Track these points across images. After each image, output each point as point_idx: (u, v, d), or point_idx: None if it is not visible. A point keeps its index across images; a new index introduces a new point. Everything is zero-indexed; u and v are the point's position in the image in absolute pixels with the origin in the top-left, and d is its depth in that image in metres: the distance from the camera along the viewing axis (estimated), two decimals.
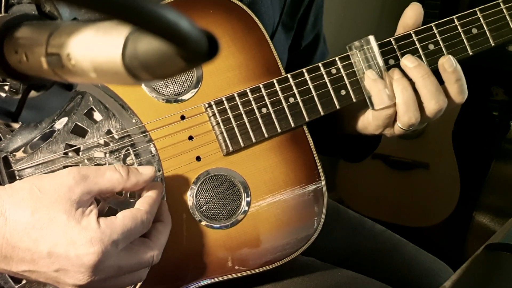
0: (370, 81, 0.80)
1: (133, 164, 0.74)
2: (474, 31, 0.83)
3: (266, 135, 0.80)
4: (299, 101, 0.81)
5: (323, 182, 0.82)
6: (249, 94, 0.79)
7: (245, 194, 0.79)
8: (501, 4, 0.84)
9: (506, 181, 2.16)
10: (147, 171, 0.67)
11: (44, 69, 0.35)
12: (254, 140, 0.79)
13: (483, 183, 2.16)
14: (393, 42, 0.82)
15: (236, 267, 0.78)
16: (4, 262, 0.59)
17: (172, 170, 0.76)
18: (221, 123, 0.78)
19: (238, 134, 0.79)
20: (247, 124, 0.79)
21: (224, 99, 0.78)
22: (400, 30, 0.84)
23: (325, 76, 0.81)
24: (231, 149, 0.78)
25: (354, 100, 0.82)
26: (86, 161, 0.72)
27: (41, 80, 0.40)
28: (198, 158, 0.78)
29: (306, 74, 0.81)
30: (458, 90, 0.80)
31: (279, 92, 0.80)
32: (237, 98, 0.79)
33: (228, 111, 0.78)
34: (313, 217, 0.81)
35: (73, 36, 0.33)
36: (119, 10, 0.27)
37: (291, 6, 0.96)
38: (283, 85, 0.80)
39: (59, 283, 0.61)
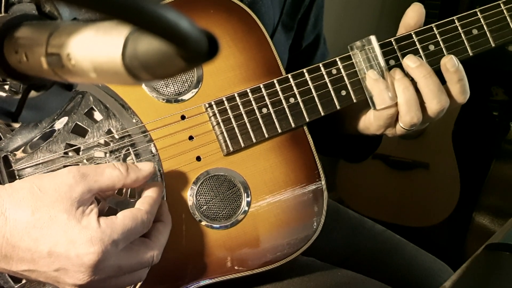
0: (372, 81, 0.80)
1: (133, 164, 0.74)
2: (475, 31, 0.83)
3: (266, 135, 0.80)
4: (300, 101, 0.81)
5: (323, 182, 0.82)
6: (250, 94, 0.79)
7: (245, 194, 0.79)
8: (501, 4, 0.84)
9: (506, 181, 2.16)
10: (146, 167, 0.67)
11: (44, 69, 0.35)
12: (254, 140, 0.79)
13: (483, 183, 2.16)
14: (393, 42, 0.82)
15: (236, 267, 0.78)
16: (4, 261, 0.59)
17: (172, 170, 0.76)
18: (221, 123, 0.78)
19: (238, 134, 0.79)
20: (248, 124, 0.79)
21: (224, 99, 0.78)
22: (402, 30, 0.84)
23: (325, 76, 0.81)
24: (231, 149, 0.78)
25: (354, 101, 0.82)
26: (86, 160, 0.72)
27: (41, 80, 0.40)
28: (198, 158, 0.78)
29: (306, 74, 0.81)
30: (460, 90, 0.80)
31: (280, 92, 0.80)
32: (237, 98, 0.79)
33: (229, 111, 0.78)
34: (313, 217, 0.81)
35: (73, 36, 0.33)
36: (119, 10, 0.27)
37: (291, 7, 0.96)
38: (284, 85, 0.80)
39: (59, 282, 0.61)
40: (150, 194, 0.68)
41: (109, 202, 0.69)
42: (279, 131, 0.80)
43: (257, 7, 0.87)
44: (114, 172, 0.64)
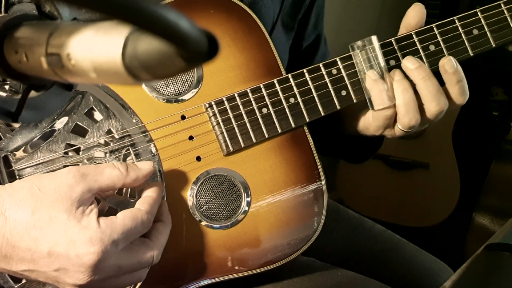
0: (371, 81, 0.80)
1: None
2: (475, 32, 0.83)
3: (266, 135, 0.80)
4: (300, 101, 0.81)
5: (323, 182, 0.82)
6: (250, 94, 0.79)
7: (245, 194, 0.79)
8: (502, 5, 0.84)
9: (506, 181, 2.16)
10: (146, 166, 0.67)
11: (44, 69, 0.35)
12: (254, 140, 0.79)
13: (483, 183, 2.16)
14: (394, 42, 0.82)
15: (236, 267, 0.78)
16: (4, 261, 0.59)
17: (172, 170, 0.76)
18: (221, 123, 0.78)
19: (238, 134, 0.78)
20: (248, 124, 0.79)
21: (224, 99, 0.78)
22: (403, 31, 0.84)
23: (325, 76, 0.81)
24: (231, 149, 0.78)
25: (354, 101, 0.82)
26: (86, 160, 0.72)
27: (41, 80, 0.40)
28: (198, 158, 0.78)
29: (306, 74, 0.81)
30: (459, 91, 0.80)
31: (280, 93, 0.80)
32: (237, 98, 0.79)
33: (229, 111, 0.78)
34: (313, 217, 0.81)
35: (73, 36, 0.33)
36: (119, 10, 0.27)
37: (292, 7, 0.96)
38: (284, 85, 0.80)
39: (59, 282, 0.61)
40: (150, 194, 0.68)
41: (109, 202, 0.69)
42: (279, 131, 0.80)
43: (258, 7, 0.87)
44: (114, 172, 0.64)
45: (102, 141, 0.73)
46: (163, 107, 0.77)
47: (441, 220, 2.10)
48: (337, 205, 1.18)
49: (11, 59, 0.37)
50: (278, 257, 0.80)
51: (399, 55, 0.82)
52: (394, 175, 2.18)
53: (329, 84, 0.81)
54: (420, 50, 0.82)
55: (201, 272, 0.77)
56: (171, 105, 0.77)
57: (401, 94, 0.79)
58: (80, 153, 0.72)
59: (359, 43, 0.81)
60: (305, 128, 0.82)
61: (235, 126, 0.78)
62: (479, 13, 0.83)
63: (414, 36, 0.82)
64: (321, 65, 0.81)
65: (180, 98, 0.78)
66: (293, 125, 0.81)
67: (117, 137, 0.73)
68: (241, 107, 0.79)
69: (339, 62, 0.82)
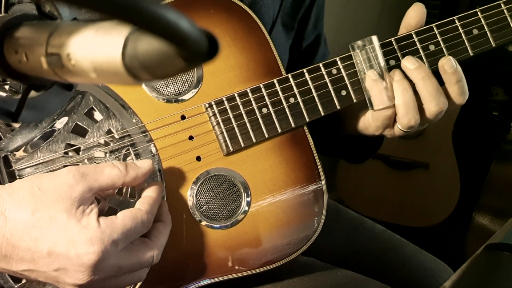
0: (371, 81, 0.80)
1: None
2: (475, 31, 0.83)
3: (266, 135, 0.80)
4: (300, 101, 0.81)
5: (323, 182, 0.82)
6: (250, 94, 0.79)
7: (245, 194, 0.79)
8: (502, 4, 0.84)
9: (506, 182, 2.16)
10: (145, 164, 0.67)
11: (44, 69, 0.35)
12: (254, 140, 0.79)
13: (483, 183, 2.16)
14: (394, 42, 0.82)
15: (236, 267, 0.78)
16: (4, 261, 0.59)
17: (172, 170, 0.76)
18: (221, 123, 0.78)
19: (238, 134, 0.79)
20: (248, 124, 0.79)
21: (224, 99, 0.78)
22: (403, 30, 0.84)
23: (325, 76, 0.81)
24: (231, 149, 0.78)
25: (354, 101, 0.82)
26: (86, 160, 0.72)
27: (41, 80, 0.40)
28: (198, 158, 0.78)
29: (306, 74, 0.81)
30: (459, 91, 0.80)
31: (280, 92, 0.80)
32: (237, 98, 0.79)
33: (229, 111, 0.78)
34: (313, 217, 0.81)
35: (73, 36, 0.33)
36: (119, 10, 0.27)
37: (292, 7, 0.96)
38: (284, 85, 0.80)
39: (59, 282, 0.61)
40: (150, 194, 0.68)
41: (109, 202, 0.69)
42: (279, 131, 0.80)
43: (258, 7, 0.87)
44: (114, 171, 0.64)
45: (102, 141, 0.73)
46: (163, 107, 0.77)
47: (441, 220, 2.10)
48: (337, 205, 1.18)
49: (11, 59, 0.37)
50: (278, 257, 0.80)
51: (399, 55, 0.82)
52: (394, 175, 2.18)
53: (329, 84, 0.81)
54: (420, 50, 0.82)
55: (201, 272, 0.77)
56: (171, 105, 0.77)
57: (401, 94, 0.79)
58: (80, 153, 0.72)
59: (359, 42, 0.81)
60: (305, 128, 0.82)
61: (235, 126, 0.78)
62: (479, 13, 0.83)
63: (414, 36, 0.82)
64: (321, 65, 0.81)
65: (180, 98, 0.78)
66: (293, 125, 0.81)
67: (117, 137, 0.73)
68: (241, 107, 0.79)
69: (339, 62, 0.82)
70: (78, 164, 0.71)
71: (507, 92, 2.34)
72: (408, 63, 0.80)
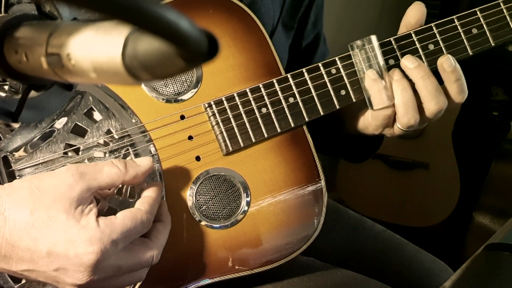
0: (370, 81, 0.80)
1: None
2: (474, 31, 0.83)
3: (266, 135, 0.80)
4: (299, 101, 0.81)
5: (323, 182, 0.82)
6: (249, 94, 0.79)
7: (245, 194, 0.79)
8: (501, 4, 0.84)
9: (506, 181, 2.16)
10: (144, 162, 0.67)
11: (44, 69, 0.35)
12: (253, 140, 0.79)
13: (483, 183, 2.16)
14: (393, 42, 0.82)
15: (236, 267, 0.78)
16: (4, 261, 0.59)
17: (171, 170, 0.76)
18: (220, 123, 0.78)
19: (237, 134, 0.79)
20: (247, 124, 0.79)
21: (224, 99, 0.78)
22: (403, 29, 0.84)
23: (325, 76, 0.81)
24: (230, 149, 0.78)
25: (354, 100, 0.82)
26: (86, 161, 0.72)
27: (41, 80, 0.40)
28: (197, 158, 0.78)
29: (306, 74, 0.81)
30: (458, 89, 0.80)
31: (279, 92, 0.80)
32: (237, 98, 0.79)
33: (228, 111, 0.78)
34: (313, 217, 0.81)
35: (73, 36, 0.33)
36: (119, 10, 0.27)
37: (291, 6, 0.96)
38: (283, 85, 0.80)
39: (58, 282, 0.61)
40: (149, 194, 0.68)
41: (109, 202, 0.69)
42: (279, 130, 0.80)
43: (257, 7, 0.87)
44: (113, 170, 0.64)
45: (101, 141, 0.73)
46: (162, 107, 0.77)
47: (441, 220, 2.10)
48: (337, 205, 1.18)
49: (11, 59, 0.37)
50: (277, 257, 0.80)
51: (398, 54, 0.82)
52: (394, 175, 2.18)
53: (328, 84, 0.81)
54: (419, 50, 0.82)
55: (201, 272, 0.77)
56: (171, 105, 0.77)
57: (400, 94, 0.79)
58: (80, 153, 0.72)
59: (358, 42, 0.81)
60: (305, 127, 0.82)
61: (234, 126, 0.79)
62: (478, 12, 0.84)
63: (413, 35, 0.82)
64: (320, 64, 0.81)
65: (179, 98, 0.78)
66: (292, 125, 0.81)
67: (116, 137, 0.73)
68: (240, 107, 0.79)
69: (338, 62, 0.82)
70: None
71: (507, 92, 2.34)
72: (408, 62, 0.80)
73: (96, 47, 0.32)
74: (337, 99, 0.82)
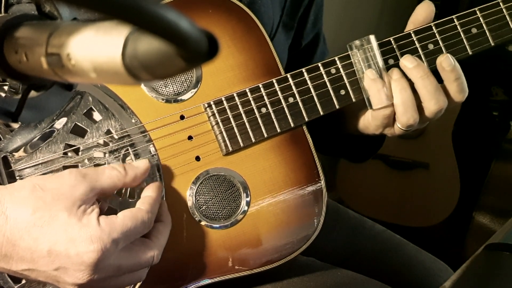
0: (369, 81, 0.80)
1: None
2: (474, 30, 0.83)
3: (265, 135, 0.80)
4: (299, 101, 0.81)
5: (322, 182, 0.82)
6: (249, 94, 0.79)
7: (245, 194, 0.79)
8: (500, 4, 0.84)
9: (506, 181, 2.16)
10: (142, 164, 0.69)
11: (44, 69, 0.35)
12: (253, 140, 0.79)
13: (483, 183, 2.16)
14: (392, 41, 0.82)
15: (236, 267, 0.78)
16: (4, 261, 0.59)
17: (171, 170, 0.76)
18: (220, 123, 0.78)
19: (237, 134, 0.79)
20: (247, 124, 0.79)
21: (223, 99, 0.78)
22: (410, 26, 0.84)
23: (324, 76, 0.81)
24: (230, 149, 0.78)
25: (353, 100, 0.82)
26: (86, 161, 0.72)
27: (41, 80, 0.40)
28: (197, 158, 0.78)
29: (305, 74, 0.81)
30: (458, 88, 0.80)
31: (279, 92, 0.80)
32: (236, 98, 0.79)
33: (228, 111, 0.78)
34: (312, 217, 0.81)
35: (73, 36, 0.33)
36: (119, 10, 0.27)
37: (291, 6, 0.96)
38: (283, 85, 0.80)
39: (59, 282, 0.61)
40: (150, 194, 0.68)
41: (110, 202, 0.69)
42: (278, 130, 0.80)
43: (256, 7, 0.87)
44: (113, 172, 0.65)
45: (101, 141, 0.73)
46: (162, 107, 0.77)
47: (441, 220, 2.10)
48: (337, 205, 1.18)
49: (11, 59, 0.37)
50: (277, 257, 0.80)
51: (397, 54, 0.82)
52: (394, 175, 2.18)
53: (328, 84, 0.82)
54: (419, 49, 0.82)
55: (201, 272, 0.77)
56: (170, 105, 0.77)
57: (399, 93, 0.79)
58: (80, 153, 0.72)
59: (357, 42, 0.81)
60: (304, 127, 0.82)
61: (234, 126, 0.79)
62: (477, 12, 0.84)
63: (412, 35, 0.82)
64: (319, 64, 0.81)
65: (179, 98, 0.78)
66: (292, 125, 0.81)
67: (116, 137, 0.73)
68: (240, 106, 0.79)
69: (338, 62, 0.82)
70: (77, 165, 0.71)
71: (507, 92, 2.34)
72: (407, 61, 0.80)
73: (96, 47, 0.32)
74: (337, 99, 0.82)
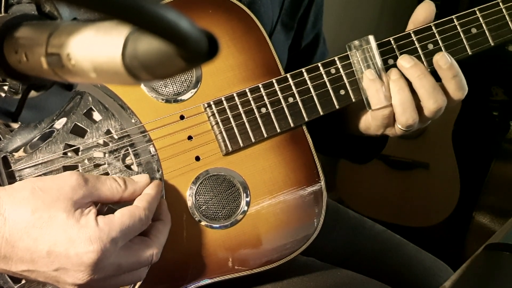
0: (368, 81, 0.80)
1: (132, 164, 0.74)
2: (474, 31, 0.83)
3: (265, 135, 0.80)
4: (298, 101, 0.81)
5: (322, 183, 0.82)
6: (248, 94, 0.79)
7: (245, 194, 0.79)
8: (500, 4, 0.84)
9: (506, 181, 2.16)
10: (142, 179, 0.69)
11: (44, 69, 0.35)
12: (253, 140, 0.79)
13: (483, 183, 2.16)
14: (392, 41, 0.82)
15: (236, 267, 0.78)
16: (4, 262, 0.59)
17: (171, 170, 0.76)
18: (220, 123, 0.78)
19: (237, 134, 0.79)
20: (246, 124, 0.79)
21: (223, 99, 0.78)
22: (411, 26, 0.84)
23: (324, 76, 0.81)
24: (230, 149, 0.78)
25: (353, 100, 0.82)
26: (86, 161, 0.72)
27: (41, 80, 0.40)
28: (197, 158, 0.78)
29: (305, 74, 0.81)
30: (456, 86, 0.80)
31: (278, 92, 0.80)
32: (236, 98, 0.79)
33: (227, 111, 0.78)
34: (312, 217, 0.81)
35: (73, 36, 0.33)
36: (119, 10, 0.27)
37: (291, 6, 0.96)
38: (282, 85, 0.80)
39: (58, 282, 0.61)
40: (148, 192, 0.68)
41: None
42: (278, 130, 0.80)
43: (256, 7, 0.87)
44: (114, 184, 0.65)
45: (101, 142, 0.73)
46: (162, 107, 0.77)
47: (441, 220, 2.10)
48: (337, 205, 1.18)
49: (11, 59, 0.37)
50: (277, 256, 0.80)
51: (397, 54, 0.82)
52: (394, 175, 2.18)
53: (327, 84, 0.82)
54: (419, 49, 0.82)
55: (201, 272, 0.77)
56: (170, 105, 0.77)
57: (397, 94, 0.79)
58: (79, 153, 0.72)
59: (356, 42, 0.81)
60: (304, 127, 0.82)
61: (234, 125, 0.79)
62: (477, 12, 0.84)
63: (412, 35, 0.82)
64: (319, 64, 0.81)
65: (179, 98, 0.78)
66: (292, 125, 0.81)
67: (116, 137, 0.73)
68: (240, 106, 0.79)
69: (337, 62, 0.82)
70: (77, 165, 0.71)
71: (507, 92, 2.34)
72: (404, 61, 0.80)
73: (96, 47, 0.32)
74: (337, 99, 0.82)
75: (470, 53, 0.84)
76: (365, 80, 0.80)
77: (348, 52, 0.82)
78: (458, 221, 2.12)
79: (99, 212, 0.63)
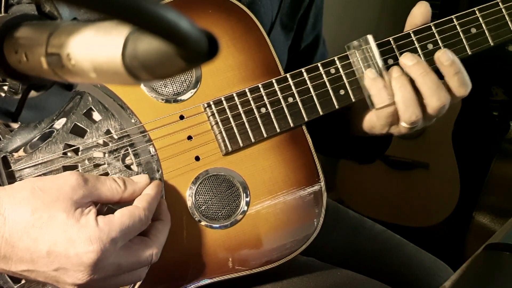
0: (370, 80, 0.80)
1: (132, 164, 0.74)
2: (473, 30, 0.84)
3: (265, 135, 0.80)
4: (298, 100, 0.81)
5: (322, 183, 0.82)
6: (248, 94, 0.79)
7: (244, 194, 0.79)
8: (500, 4, 0.84)
9: (506, 181, 2.16)
10: (142, 179, 0.69)
11: (44, 69, 0.35)
12: (253, 140, 0.79)
13: (483, 183, 2.16)
14: (392, 41, 0.82)
15: (236, 267, 0.78)
16: (3, 262, 0.59)
17: (171, 170, 0.76)
18: (220, 123, 0.78)
19: (237, 134, 0.79)
20: (246, 124, 0.79)
21: (223, 99, 0.78)
22: (408, 29, 0.84)
23: (324, 76, 0.81)
24: (230, 149, 0.78)
25: (353, 100, 0.82)
26: (86, 161, 0.72)
27: (41, 80, 0.40)
28: (197, 158, 0.78)
29: (305, 74, 0.81)
30: (459, 83, 0.79)
31: (278, 92, 0.80)
32: (236, 98, 0.79)
33: (227, 111, 0.79)
34: (312, 218, 0.81)
35: (73, 36, 0.33)
36: (119, 10, 0.27)
37: (290, 7, 0.96)
38: (282, 85, 0.80)
39: (58, 282, 0.61)
40: (148, 192, 0.68)
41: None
42: (278, 130, 0.80)
43: (256, 7, 0.87)
44: (114, 185, 0.65)
45: (101, 142, 0.73)
46: (161, 107, 0.77)
47: (441, 220, 2.10)
48: (337, 205, 1.18)
49: (11, 59, 0.37)
50: (277, 256, 0.80)
51: (397, 54, 0.82)
52: (394, 175, 2.18)
53: (327, 83, 0.82)
54: (418, 49, 0.83)
55: (201, 272, 0.77)
56: (170, 105, 0.77)
57: (399, 91, 0.79)
58: (79, 153, 0.72)
59: (355, 43, 0.81)
60: (304, 127, 0.82)
61: (233, 125, 0.79)
62: (477, 12, 0.84)
63: (412, 35, 0.82)
64: (319, 64, 0.81)
65: (178, 98, 0.78)
66: (291, 125, 0.81)
67: (116, 137, 0.73)
68: (239, 106, 0.79)
69: (337, 62, 0.82)
70: (77, 165, 0.72)
71: (507, 92, 2.34)
72: (406, 59, 0.80)
73: (96, 47, 0.32)
74: (336, 99, 0.82)
75: (469, 53, 0.84)
76: (366, 80, 0.80)
77: (347, 52, 0.82)
78: (458, 221, 2.12)
79: (99, 212, 0.63)
